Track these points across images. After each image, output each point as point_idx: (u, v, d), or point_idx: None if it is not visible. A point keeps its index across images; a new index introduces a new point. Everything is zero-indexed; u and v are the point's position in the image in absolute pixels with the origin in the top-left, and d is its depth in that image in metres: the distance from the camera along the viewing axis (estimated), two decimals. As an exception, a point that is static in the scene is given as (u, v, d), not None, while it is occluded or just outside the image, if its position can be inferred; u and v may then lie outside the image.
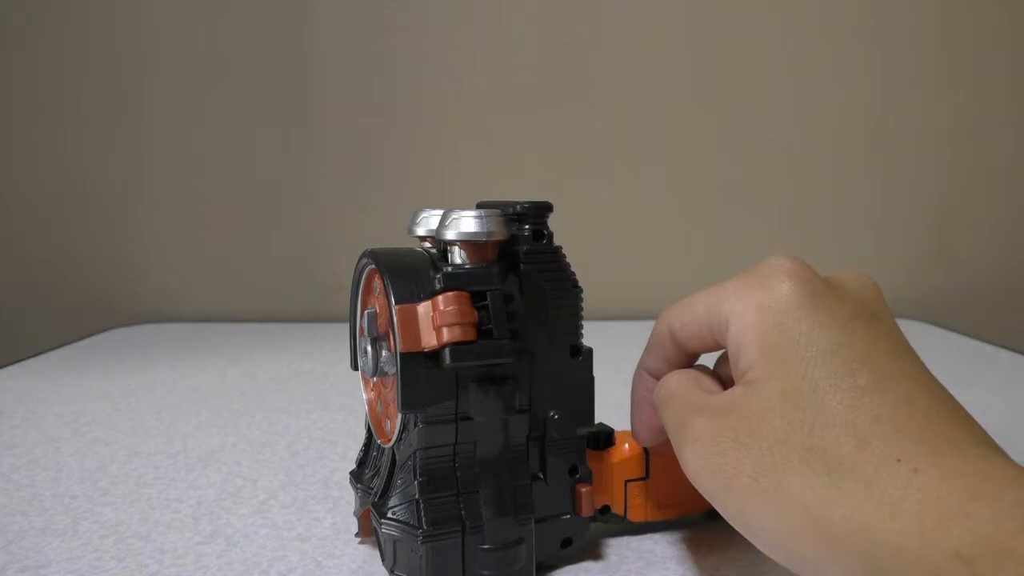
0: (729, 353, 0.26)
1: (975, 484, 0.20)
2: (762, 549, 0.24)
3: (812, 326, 0.24)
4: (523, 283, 0.30)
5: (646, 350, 0.31)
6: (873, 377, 0.23)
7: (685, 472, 0.26)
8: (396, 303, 0.28)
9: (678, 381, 0.29)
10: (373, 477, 0.32)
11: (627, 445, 0.33)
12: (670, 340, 0.30)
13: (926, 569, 0.19)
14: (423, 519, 0.28)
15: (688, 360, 0.31)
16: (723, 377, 0.31)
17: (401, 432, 0.29)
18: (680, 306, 0.29)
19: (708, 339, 0.28)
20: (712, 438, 0.25)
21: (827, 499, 0.21)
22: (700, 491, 0.25)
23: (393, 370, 0.28)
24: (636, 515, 0.34)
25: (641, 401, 0.32)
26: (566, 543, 0.32)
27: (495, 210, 0.29)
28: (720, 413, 0.25)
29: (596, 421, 0.33)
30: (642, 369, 0.32)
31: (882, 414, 0.22)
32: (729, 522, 0.25)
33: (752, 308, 0.25)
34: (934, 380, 0.25)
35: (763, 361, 0.24)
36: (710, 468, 0.24)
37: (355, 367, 0.33)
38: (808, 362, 0.24)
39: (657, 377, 0.31)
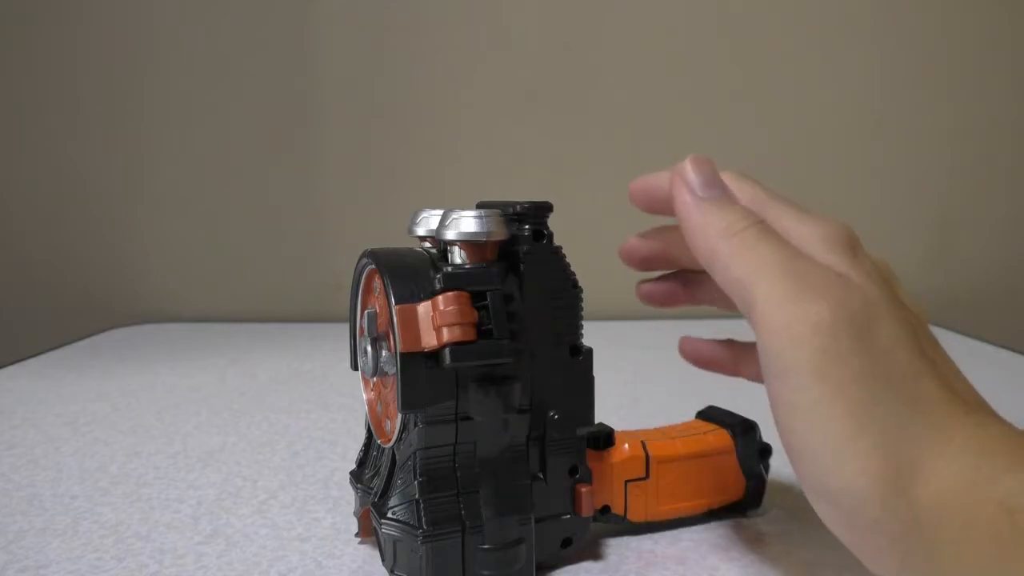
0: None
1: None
2: (798, 462, 0.22)
3: (881, 279, 0.24)
4: (523, 283, 0.30)
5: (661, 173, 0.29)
6: (932, 346, 0.24)
7: (781, 331, 0.22)
8: (396, 303, 0.28)
9: (771, 227, 0.25)
10: (373, 477, 0.32)
11: (627, 445, 0.33)
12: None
13: (967, 514, 0.19)
14: (423, 519, 0.28)
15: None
16: None
17: (401, 432, 0.29)
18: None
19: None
20: (840, 312, 0.21)
21: (904, 434, 0.21)
22: (777, 356, 0.22)
23: (393, 370, 0.28)
24: (636, 515, 0.34)
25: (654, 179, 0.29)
26: (566, 543, 0.32)
27: (495, 210, 0.29)
28: (847, 292, 0.22)
29: (596, 421, 0.33)
30: (659, 177, 0.29)
31: (950, 375, 0.23)
32: (778, 410, 0.22)
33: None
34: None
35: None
36: (819, 344, 0.21)
37: (355, 367, 0.33)
38: (899, 306, 0.24)
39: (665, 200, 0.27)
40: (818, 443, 0.21)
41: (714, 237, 0.24)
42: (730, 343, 0.33)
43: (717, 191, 0.26)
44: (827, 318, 0.21)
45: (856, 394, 0.21)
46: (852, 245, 0.24)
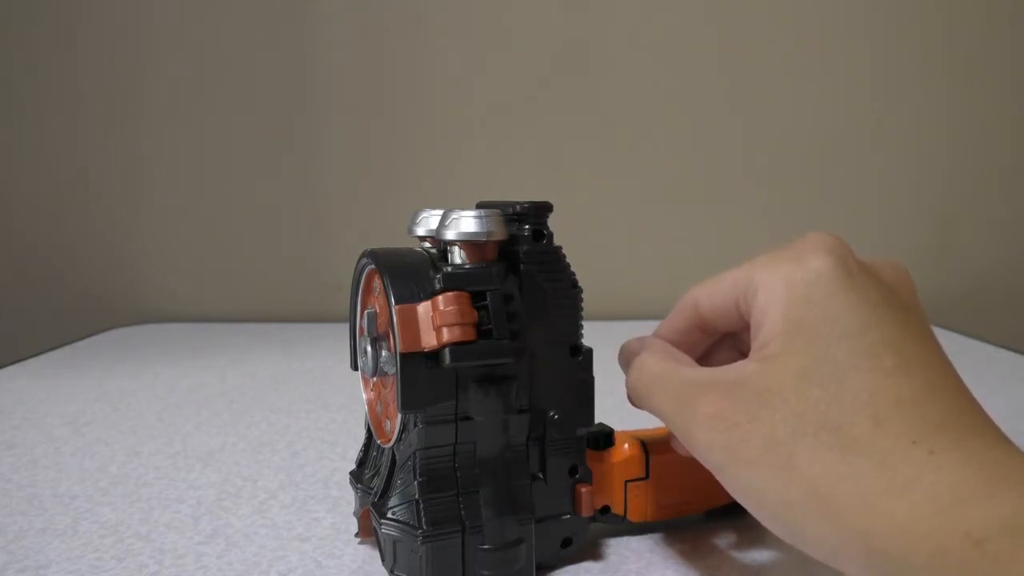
0: (752, 324, 0.26)
1: (993, 470, 0.20)
2: (763, 521, 0.24)
3: (842, 305, 0.24)
4: (523, 283, 0.30)
5: (664, 321, 0.31)
6: (898, 361, 0.23)
7: (691, 449, 0.26)
8: (396, 303, 0.28)
9: (658, 361, 0.29)
10: (373, 477, 0.32)
11: (627, 445, 0.33)
12: (692, 312, 0.29)
13: (933, 549, 0.19)
14: (423, 519, 0.28)
15: (703, 341, 0.31)
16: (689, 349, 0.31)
17: (401, 432, 0.29)
18: (709, 281, 0.29)
19: (733, 313, 0.27)
20: (722, 413, 0.24)
21: (836, 474, 0.21)
22: (707, 466, 0.25)
23: (393, 370, 0.28)
24: (636, 515, 0.34)
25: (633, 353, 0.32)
26: (566, 543, 0.32)
27: (495, 210, 0.29)
28: (731, 388, 0.25)
29: (596, 421, 0.33)
30: (651, 336, 0.32)
31: (903, 397, 0.22)
32: (732, 494, 0.25)
33: (782, 280, 0.25)
34: (954, 371, 0.24)
35: (784, 336, 0.24)
36: (720, 443, 0.24)
37: (355, 367, 0.33)
38: (832, 341, 0.23)
39: (672, 343, 0.31)
40: (770, 510, 0.23)
41: (632, 395, 0.30)
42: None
43: (635, 354, 0.31)
44: (711, 423, 0.24)
45: (768, 462, 0.23)
46: (810, 290, 0.24)
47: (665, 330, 0.31)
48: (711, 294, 0.28)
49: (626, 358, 0.32)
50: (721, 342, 0.31)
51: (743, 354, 0.29)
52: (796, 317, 0.24)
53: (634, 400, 0.30)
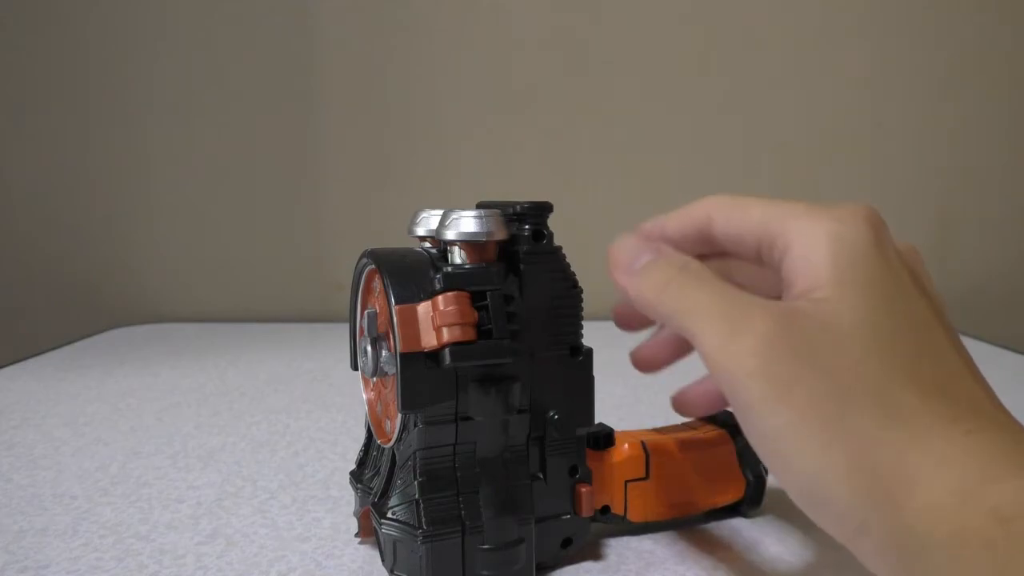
0: (784, 273, 0.24)
1: None
2: (783, 480, 0.22)
3: (889, 272, 0.23)
4: (523, 283, 0.30)
5: (671, 214, 0.28)
6: (932, 340, 0.23)
7: (725, 370, 0.22)
8: (396, 303, 0.28)
9: (700, 266, 0.25)
10: (373, 477, 0.32)
11: (627, 445, 0.33)
12: (702, 225, 0.27)
13: (957, 525, 0.19)
14: (423, 519, 0.28)
15: (706, 247, 0.27)
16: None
17: (401, 432, 0.29)
18: (731, 201, 0.26)
19: (750, 249, 0.25)
20: (777, 339, 0.22)
21: (882, 442, 0.21)
22: (734, 394, 0.22)
23: (393, 370, 0.28)
24: (636, 515, 0.34)
25: (643, 231, 0.28)
26: (566, 543, 0.32)
27: (495, 210, 0.29)
28: (790, 317, 0.22)
29: (596, 421, 0.33)
30: (659, 222, 0.28)
31: (945, 376, 0.22)
32: (757, 439, 0.22)
33: (825, 235, 0.23)
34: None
35: (837, 286, 0.23)
36: (767, 373, 0.21)
37: (355, 367, 0.33)
38: (882, 304, 0.22)
39: (666, 236, 0.28)
40: (793, 463, 0.21)
41: (653, 300, 0.25)
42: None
43: (647, 256, 0.27)
44: (770, 346, 0.22)
45: (820, 412, 0.21)
46: (855, 246, 0.23)
47: (671, 228, 0.28)
48: (730, 220, 0.26)
49: (630, 252, 0.27)
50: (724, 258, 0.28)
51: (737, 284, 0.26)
52: (843, 271, 0.23)
53: (648, 297, 0.26)
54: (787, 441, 0.21)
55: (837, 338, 0.22)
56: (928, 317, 0.23)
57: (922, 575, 0.19)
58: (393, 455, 0.30)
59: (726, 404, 0.30)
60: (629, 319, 0.31)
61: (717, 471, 0.35)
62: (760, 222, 0.25)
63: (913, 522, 0.20)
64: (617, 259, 0.28)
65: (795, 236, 0.24)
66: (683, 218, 0.27)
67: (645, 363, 0.31)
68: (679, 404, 0.30)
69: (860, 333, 0.22)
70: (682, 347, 0.31)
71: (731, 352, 0.22)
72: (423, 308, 0.28)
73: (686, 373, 0.36)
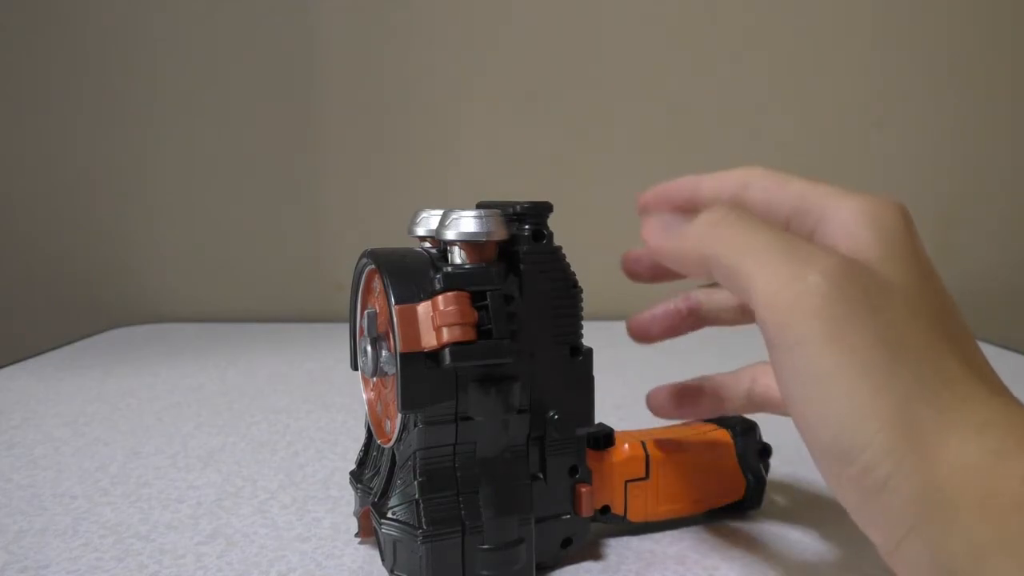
0: (819, 238, 0.25)
1: None
2: (813, 426, 0.21)
3: (918, 255, 0.24)
4: (523, 283, 0.30)
5: (705, 176, 0.29)
6: (962, 331, 0.24)
7: (783, 307, 0.22)
8: (396, 303, 0.28)
9: (750, 212, 0.26)
10: (373, 477, 0.32)
11: (627, 445, 0.33)
12: (738, 191, 0.28)
13: (986, 486, 0.19)
14: (423, 519, 0.28)
15: None
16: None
17: (401, 432, 0.29)
18: (770, 174, 0.27)
19: (780, 218, 0.26)
20: (841, 281, 0.21)
21: (926, 399, 0.21)
22: (788, 331, 0.22)
23: (393, 370, 0.28)
24: (636, 515, 0.34)
25: (672, 189, 0.30)
26: (566, 543, 0.32)
27: (495, 210, 0.29)
28: (849, 263, 0.22)
29: (596, 421, 0.33)
30: (693, 179, 0.30)
31: (979, 353, 0.23)
32: (790, 379, 0.22)
33: (863, 213, 0.24)
34: None
35: (884, 255, 0.23)
36: (829, 313, 0.21)
37: (355, 367, 0.33)
38: (921, 280, 0.23)
39: (698, 194, 0.29)
40: (835, 406, 0.21)
41: (698, 240, 0.25)
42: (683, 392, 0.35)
43: (680, 220, 0.28)
44: (833, 286, 0.21)
45: (873, 358, 0.21)
46: (895, 226, 0.24)
47: (705, 188, 0.29)
48: (768, 188, 0.27)
49: (668, 220, 0.29)
50: None
51: None
52: (887, 245, 0.23)
53: (693, 237, 0.26)
54: (836, 382, 0.21)
55: (890, 294, 0.22)
56: (953, 306, 0.24)
57: (946, 534, 0.19)
58: (393, 455, 0.30)
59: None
60: (639, 265, 0.31)
61: (717, 471, 0.35)
62: (798, 194, 0.26)
63: (944, 480, 0.20)
64: (652, 227, 0.29)
65: (834, 210, 0.25)
66: (720, 180, 0.28)
67: (641, 331, 0.32)
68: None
69: (908, 295, 0.22)
70: (680, 325, 0.33)
71: (794, 290, 0.22)
72: (423, 308, 0.28)
73: (686, 374, 0.36)
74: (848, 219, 0.24)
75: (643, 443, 0.34)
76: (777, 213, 0.26)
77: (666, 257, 0.27)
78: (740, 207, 0.26)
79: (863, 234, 0.24)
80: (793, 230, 0.26)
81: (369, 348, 0.29)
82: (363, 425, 0.34)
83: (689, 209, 0.29)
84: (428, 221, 0.31)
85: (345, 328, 0.34)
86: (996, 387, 0.23)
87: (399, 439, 0.29)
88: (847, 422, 0.21)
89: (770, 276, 0.22)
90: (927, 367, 0.21)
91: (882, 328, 0.21)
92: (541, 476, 0.31)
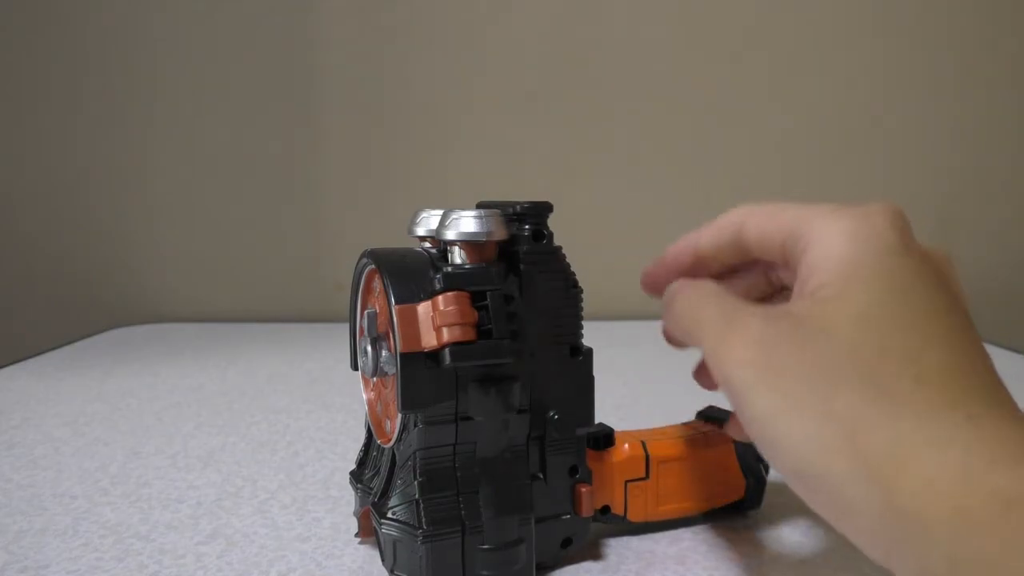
0: (802, 267, 0.26)
1: None
2: (775, 461, 0.23)
3: (899, 265, 0.24)
4: (523, 283, 0.30)
5: (702, 228, 0.31)
6: (946, 327, 0.23)
7: (720, 364, 0.24)
8: (396, 303, 0.28)
9: (710, 285, 0.28)
10: (373, 477, 0.32)
11: (627, 445, 0.33)
12: (735, 234, 0.29)
13: (957, 505, 0.19)
14: (423, 519, 0.28)
15: (740, 257, 0.30)
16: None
17: (401, 432, 0.29)
18: (761, 208, 0.28)
19: (776, 249, 0.28)
20: (768, 335, 0.24)
21: (873, 423, 0.21)
22: (730, 388, 0.24)
23: (393, 370, 0.28)
24: (636, 515, 0.34)
25: (672, 258, 0.32)
26: (566, 543, 0.32)
27: (495, 210, 0.29)
28: (781, 317, 0.24)
29: (596, 421, 0.33)
30: (690, 241, 0.31)
31: (947, 362, 0.22)
32: (748, 424, 0.24)
33: (842, 232, 0.25)
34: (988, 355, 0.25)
35: (844, 281, 0.24)
36: (759, 362, 0.23)
37: (355, 367, 0.33)
38: (888, 296, 0.23)
39: (699, 254, 0.31)
40: (786, 443, 0.22)
41: (675, 326, 0.29)
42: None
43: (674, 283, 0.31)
44: (754, 341, 0.24)
45: (807, 393, 0.22)
46: (871, 244, 0.24)
47: (704, 241, 0.31)
48: (762, 225, 0.28)
49: (676, 291, 0.31)
50: (754, 268, 0.31)
51: (772, 285, 0.30)
52: (856, 266, 0.24)
53: (674, 322, 0.29)
54: (778, 422, 0.22)
55: (831, 330, 0.23)
56: (944, 306, 0.24)
57: (919, 554, 0.19)
58: (393, 455, 0.30)
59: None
60: (657, 281, 0.33)
61: (717, 471, 0.35)
62: (788, 223, 0.27)
63: (906, 500, 0.20)
64: (665, 296, 0.31)
65: (816, 234, 0.25)
66: (716, 230, 0.30)
67: (651, 283, 0.33)
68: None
69: (856, 325, 0.23)
70: (688, 272, 0.33)
71: (726, 346, 0.24)
72: (423, 308, 0.28)
73: (685, 374, 0.36)
74: (823, 245, 0.25)
75: (643, 443, 0.34)
76: (774, 247, 0.28)
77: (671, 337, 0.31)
78: (705, 283, 0.29)
79: (832, 260, 0.24)
80: (788, 258, 0.27)
81: (369, 348, 0.29)
82: (363, 425, 0.34)
83: (699, 268, 0.31)
84: (428, 221, 0.31)
85: (345, 328, 0.34)
86: (967, 396, 0.22)
87: (399, 439, 0.29)
88: (802, 455, 0.22)
89: (711, 341, 0.26)
90: (873, 391, 0.22)
91: (818, 365, 0.22)
92: (541, 476, 0.31)
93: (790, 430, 0.22)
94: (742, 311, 0.25)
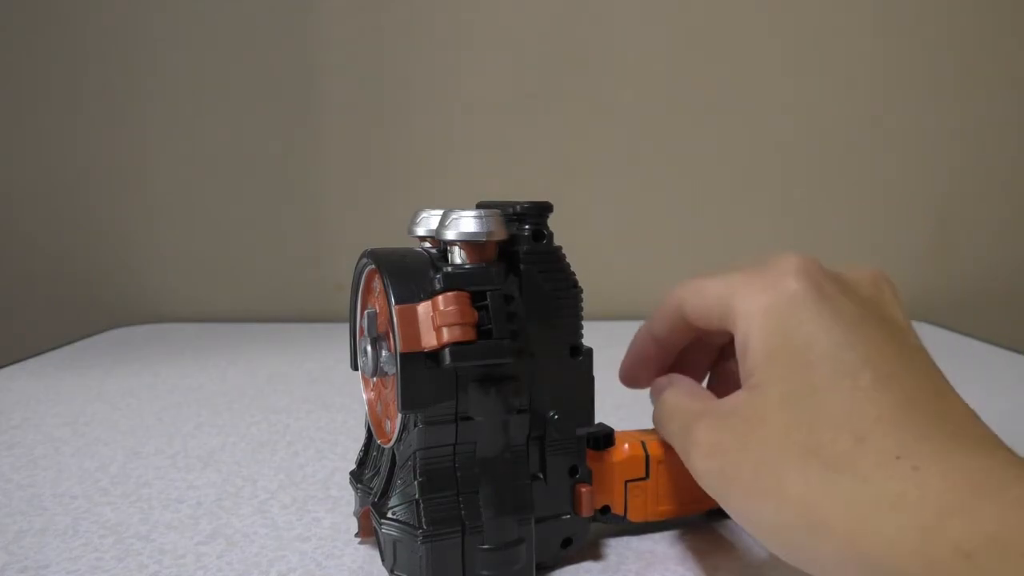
0: (736, 350, 0.27)
1: (978, 480, 0.20)
2: (763, 543, 0.25)
3: (816, 328, 0.25)
4: (523, 283, 0.30)
5: (653, 316, 0.33)
6: (875, 377, 0.23)
7: (693, 475, 0.27)
8: (396, 303, 0.28)
9: (674, 396, 0.31)
10: (373, 477, 0.32)
11: (627, 445, 0.33)
12: (678, 314, 0.31)
13: (925, 563, 0.19)
14: (423, 519, 0.28)
15: (691, 332, 0.32)
16: (724, 375, 0.33)
17: (401, 432, 0.29)
18: (693, 288, 0.30)
19: (714, 323, 0.29)
20: (715, 442, 0.26)
21: (823, 494, 0.22)
22: (707, 491, 0.27)
23: (393, 370, 0.28)
24: (636, 515, 0.34)
25: (637, 351, 0.34)
26: (566, 543, 0.32)
27: (495, 210, 0.29)
28: (722, 417, 0.26)
29: (596, 421, 0.33)
30: (646, 329, 0.34)
31: (883, 414, 0.22)
32: (734, 519, 0.26)
33: (760, 309, 0.26)
34: (942, 379, 0.25)
35: (766, 365, 0.25)
36: (715, 470, 0.26)
37: (355, 367, 0.33)
38: (809, 366, 0.24)
39: (658, 340, 0.33)
40: (759, 530, 0.24)
41: (656, 427, 0.33)
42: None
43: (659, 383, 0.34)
44: (707, 453, 0.26)
45: (760, 485, 0.24)
46: (778, 321, 0.26)
47: (656, 328, 0.33)
48: (695, 304, 0.30)
49: (655, 392, 0.34)
50: (729, 347, 0.33)
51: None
52: (775, 345, 0.25)
53: (657, 430, 0.32)
54: (748, 513, 0.24)
55: (765, 418, 0.25)
56: (870, 352, 0.24)
57: None
58: (393, 455, 0.30)
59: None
60: (636, 376, 0.35)
61: (717, 471, 0.35)
62: (716, 303, 0.28)
63: (880, 562, 0.20)
64: (651, 391, 0.35)
65: (738, 319, 0.27)
66: (662, 316, 0.32)
67: (631, 378, 0.36)
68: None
69: (783, 408, 0.24)
70: (656, 360, 0.35)
71: (689, 460, 0.27)
72: (423, 308, 0.28)
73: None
74: (745, 331, 0.27)
75: (643, 443, 0.34)
76: (710, 322, 0.29)
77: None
78: (669, 394, 0.31)
79: (752, 347, 0.26)
80: (727, 329, 0.28)
81: (369, 348, 0.29)
82: (363, 425, 0.34)
83: (665, 354, 0.34)
84: (428, 221, 0.31)
85: (345, 328, 0.34)
86: (911, 439, 0.22)
87: (399, 439, 0.29)
88: (774, 538, 0.24)
89: (680, 454, 0.29)
90: (818, 464, 0.22)
91: (761, 455, 0.24)
92: (541, 476, 0.31)
93: (759, 518, 0.24)
94: (696, 422, 0.27)
